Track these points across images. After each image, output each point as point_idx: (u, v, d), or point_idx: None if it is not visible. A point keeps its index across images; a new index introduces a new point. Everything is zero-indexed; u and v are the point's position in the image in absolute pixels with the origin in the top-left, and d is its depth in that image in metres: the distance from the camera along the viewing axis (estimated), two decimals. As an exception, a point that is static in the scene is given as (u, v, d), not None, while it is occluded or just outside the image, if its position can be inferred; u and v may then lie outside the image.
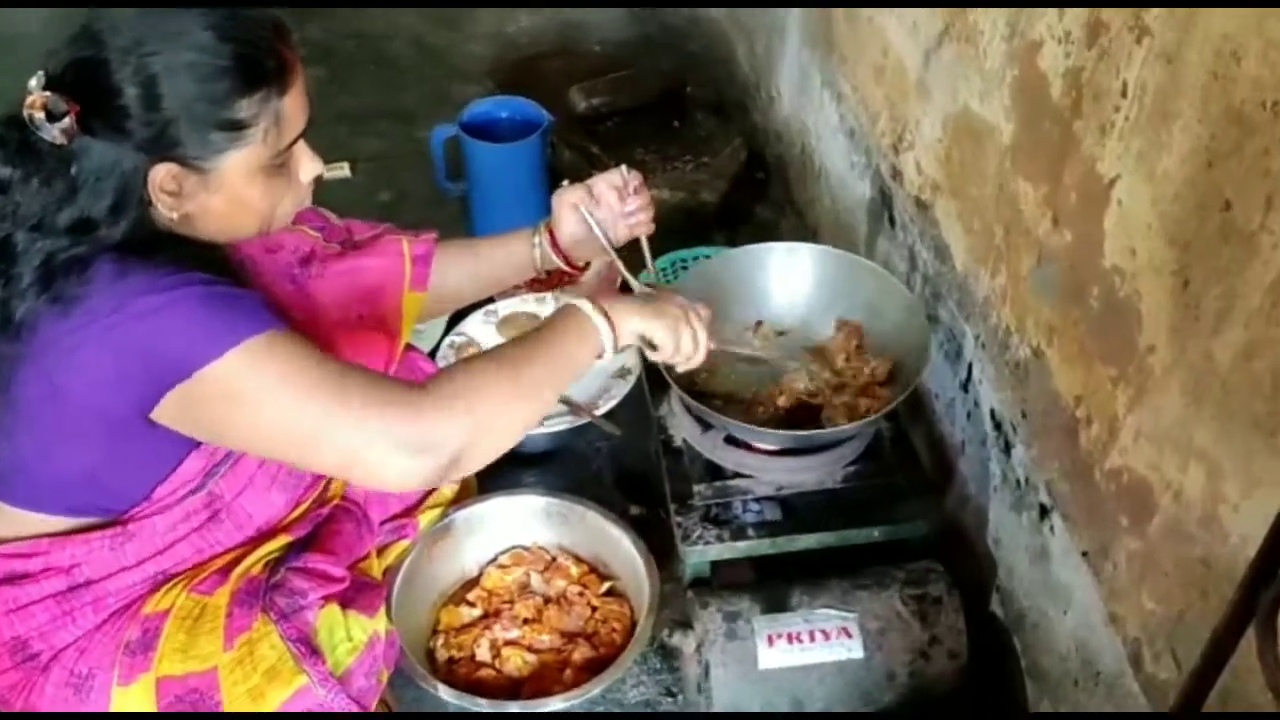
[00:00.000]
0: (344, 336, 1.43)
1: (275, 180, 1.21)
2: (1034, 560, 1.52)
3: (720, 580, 1.67)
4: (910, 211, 1.86)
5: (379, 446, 1.11)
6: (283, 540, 1.38)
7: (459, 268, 1.54)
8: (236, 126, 1.15)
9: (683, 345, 1.35)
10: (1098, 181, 1.27)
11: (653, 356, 1.37)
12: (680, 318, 1.34)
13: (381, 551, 1.57)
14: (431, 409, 1.13)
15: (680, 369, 1.38)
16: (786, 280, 1.81)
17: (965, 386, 1.70)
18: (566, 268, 1.54)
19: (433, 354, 2.05)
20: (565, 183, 1.53)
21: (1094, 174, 1.28)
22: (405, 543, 1.61)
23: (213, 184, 1.17)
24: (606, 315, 1.28)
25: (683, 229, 2.44)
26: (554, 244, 1.52)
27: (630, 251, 1.54)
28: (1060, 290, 1.38)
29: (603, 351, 1.29)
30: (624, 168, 1.51)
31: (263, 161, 1.18)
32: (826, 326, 1.79)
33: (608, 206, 1.51)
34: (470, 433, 1.14)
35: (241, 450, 1.27)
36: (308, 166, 1.25)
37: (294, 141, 1.21)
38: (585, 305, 1.28)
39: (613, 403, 1.97)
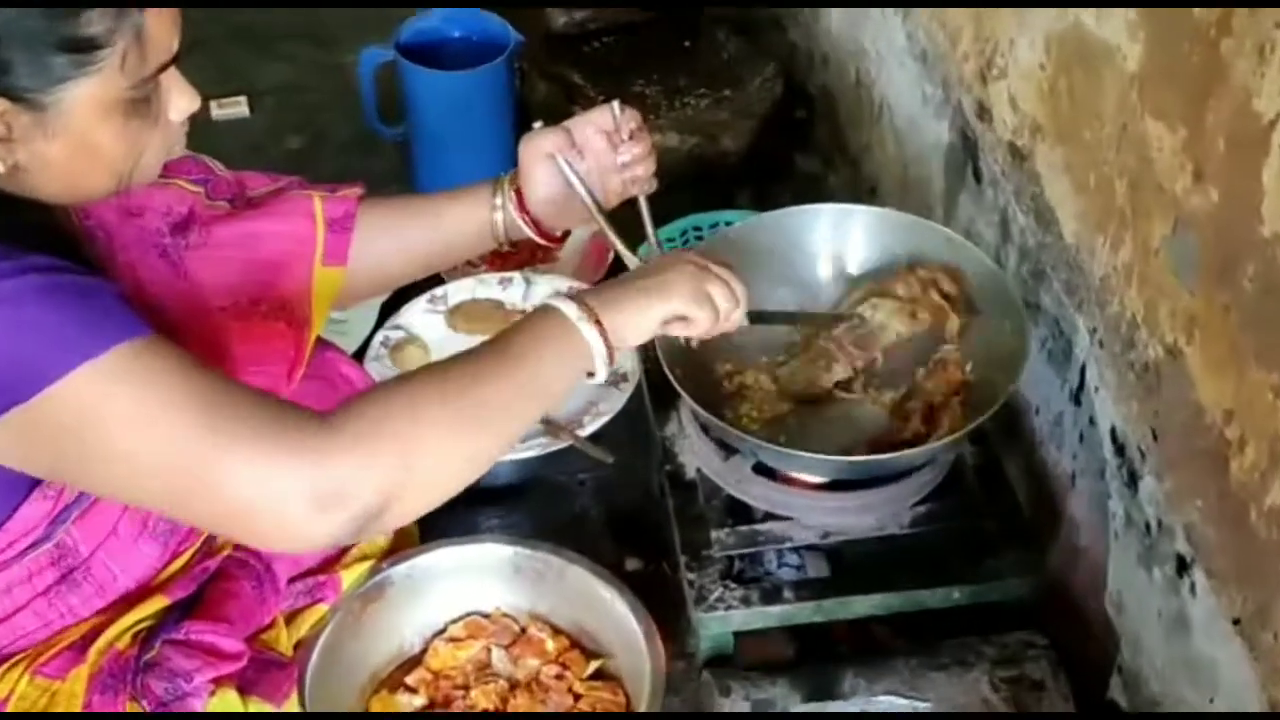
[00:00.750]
0: (233, 329, 1.44)
1: (136, 120, 1.21)
2: (1169, 630, 1.52)
3: (747, 658, 1.67)
4: (1002, 162, 1.86)
5: (274, 496, 1.12)
6: (157, 604, 1.38)
7: (392, 236, 1.55)
8: (83, 47, 1.14)
9: (721, 305, 1.36)
10: (1253, 122, 1.27)
11: (688, 333, 1.38)
12: (698, 275, 1.34)
13: (292, 619, 1.57)
14: (346, 446, 1.13)
15: (723, 330, 1.40)
16: (834, 256, 1.82)
17: (1076, 398, 1.70)
18: (538, 238, 1.54)
19: (359, 355, 2.06)
20: (537, 124, 1.54)
21: (1248, 111, 1.28)
22: (323, 607, 1.61)
23: (52, 125, 1.17)
24: (598, 323, 1.28)
25: (697, 187, 2.45)
26: (521, 206, 1.52)
27: (625, 217, 1.54)
28: (1203, 267, 1.39)
29: (593, 369, 1.30)
30: (616, 104, 1.51)
31: (119, 95, 1.18)
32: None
33: (594, 156, 1.51)
34: (397, 479, 1.15)
35: (95, 494, 1.28)
36: (180, 102, 1.24)
37: (162, 69, 1.21)
38: (568, 308, 1.28)
39: (603, 420, 1.97)
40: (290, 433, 1.13)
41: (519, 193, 1.52)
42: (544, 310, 1.29)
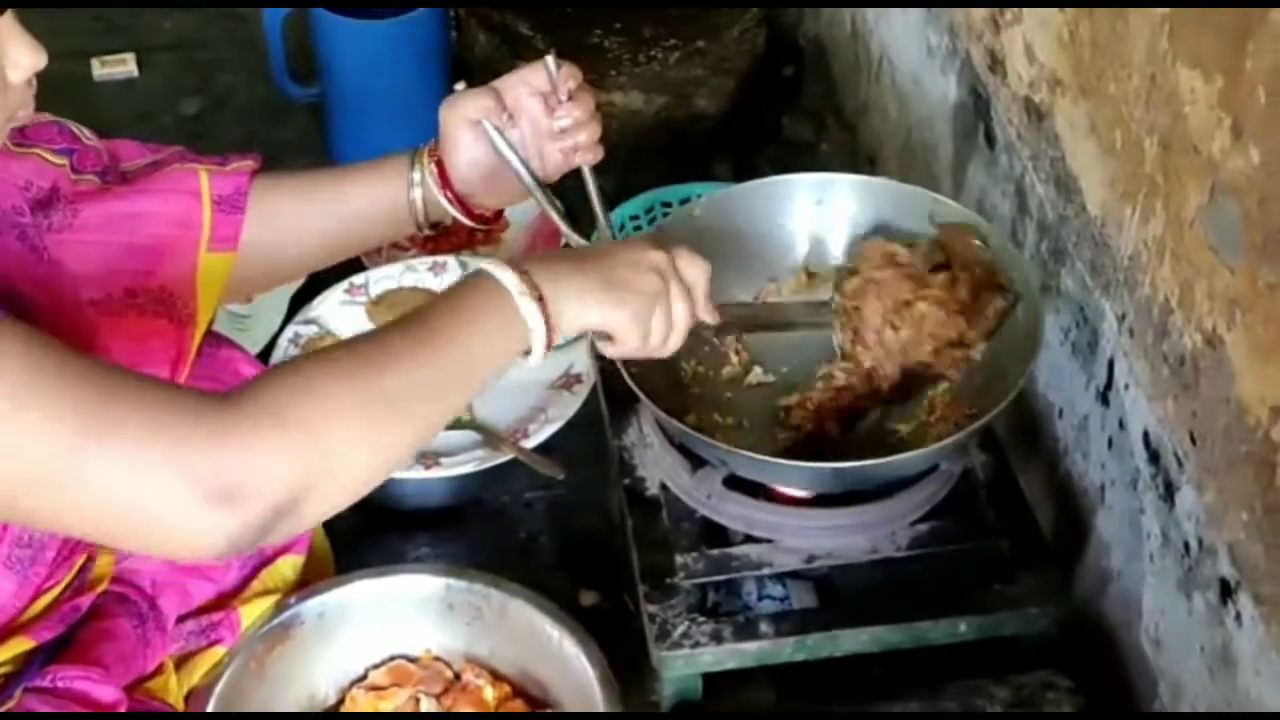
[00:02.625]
0: (104, 325, 1.43)
1: None
2: (1214, 666, 1.53)
3: (719, 705, 1.67)
4: (1018, 122, 1.88)
5: (161, 492, 1.11)
6: (18, 647, 1.37)
7: (288, 217, 1.55)
8: None
9: (653, 335, 1.36)
10: (1299, 67, 1.29)
11: (608, 351, 1.38)
12: (654, 298, 1.35)
13: (183, 664, 1.57)
14: (245, 432, 1.13)
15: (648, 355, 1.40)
16: (823, 234, 1.83)
17: (1104, 396, 1.71)
18: (465, 219, 1.55)
19: (265, 355, 2.06)
20: (460, 85, 1.54)
21: (1293, 56, 1.29)
22: (220, 650, 1.61)
23: None
24: (541, 299, 1.28)
25: (667, 156, 2.47)
26: (444, 182, 1.53)
27: (571, 192, 1.55)
28: (1245, 241, 1.40)
29: (529, 349, 1.30)
30: (550, 59, 1.52)
31: None
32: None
33: (528, 121, 1.52)
34: (308, 469, 1.14)
35: None
36: (19, 57, 1.22)
37: None
38: (507, 279, 1.28)
39: (552, 429, 1.98)
40: (176, 418, 1.12)
41: (440, 166, 1.53)
42: (477, 279, 1.29)
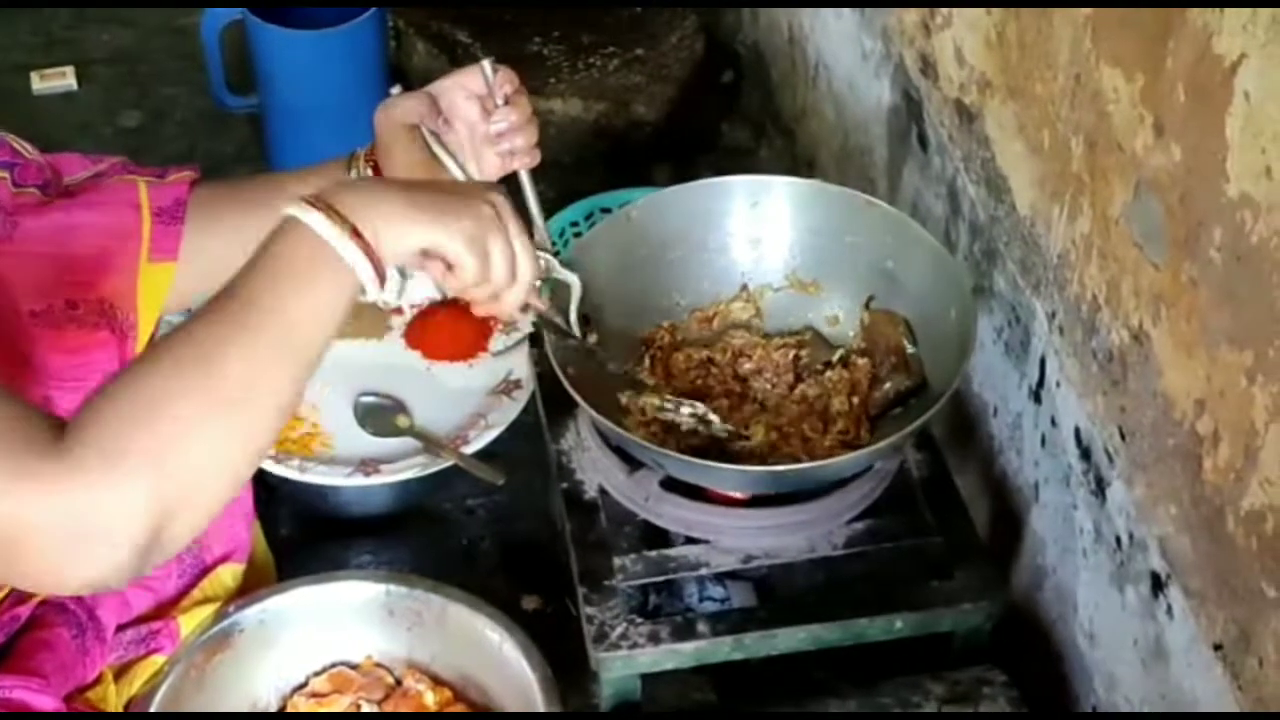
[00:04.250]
0: (44, 338, 1.43)
1: None
2: (1146, 659, 1.54)
3: (659, 706, 1.68)
4: (949, 124, 1.89)
5: (26, 534, 1.08)
6: (-44, 657, 1.37)
7: (226, 226, 1.55)
8: None
9: (494, 265, 1.28)
10: (1215, 65, 1.29)
11: (450, 286, 1.31)
12: (487, 221, 1.28)
13: (122, 673, 1.57)
14: (92, 468, 1.09)
15: (490, 310, 1.34)
16: (759, 235, 1.84)
17: (1036, 394, 1.73)
18: None
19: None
20: (395, 89, 1.54)
21: (1209, 54, 1.30)
22: (160, 658, 1.61)
23: None
24: (357, 234, 1.19)
25: (607, 162, 2.47)
26: None
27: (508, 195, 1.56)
28: (1168, 237, 1.41)
29: (361, 288, 1.21)
30: (487, 63, 1.52)
31: None
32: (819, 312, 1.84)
33: (464, 125, 1.53)
34: (161, 501, 1.10)
35: None
36: None
37: None
38: (316, 222, 1.19)
39: (492, 434, 1.98)
40: (26, 454, 1.09)
41: (377, 169, 1.53)
42: (284, 228, 1.20)
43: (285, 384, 1.19)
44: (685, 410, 1.71)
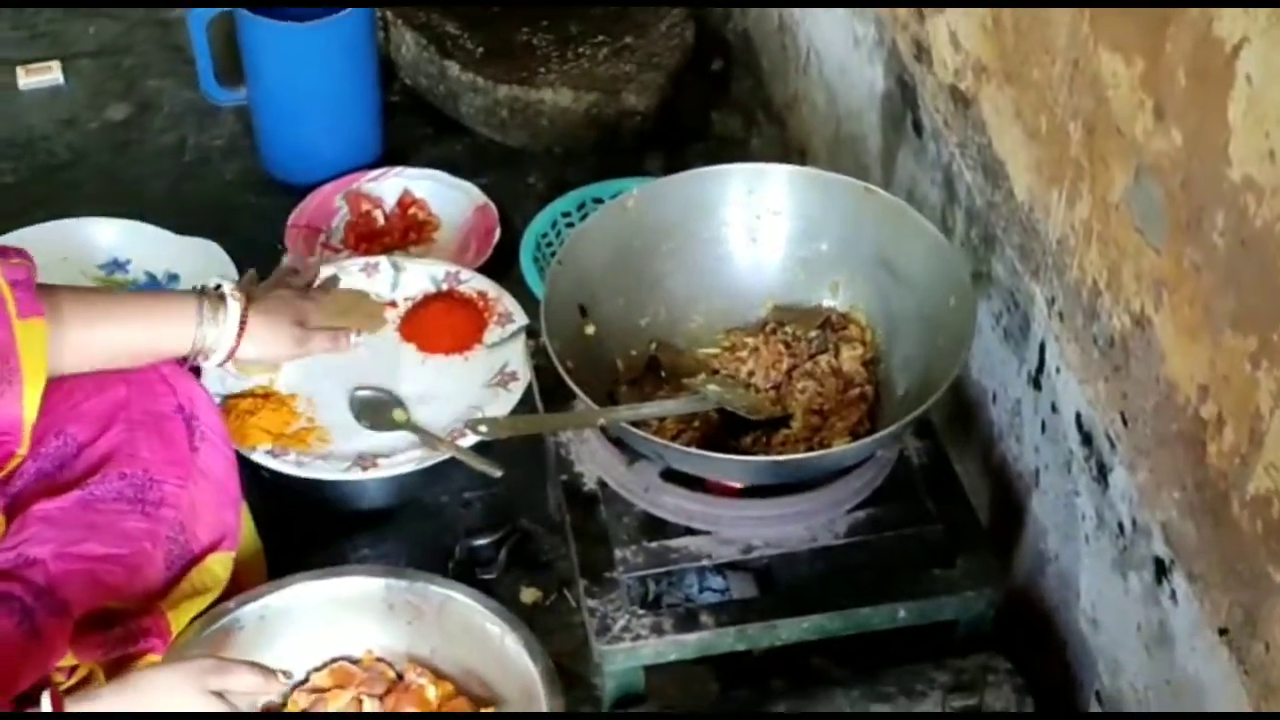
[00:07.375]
0: None
1: None
2: (1150, 644, 1.54)
3: (661, 697, 1.67)
4: (945, 110, 1.89)
5: None
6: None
7: (76, 341, 1.65)
8: None
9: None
10: (1216, 50, 1.29)
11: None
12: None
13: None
14: None
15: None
16: (755, 223, 1.84)
17: (1036, 380, 1.73)
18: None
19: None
20: (286, 258, 1.62)
21: (1210, 38, 1.30)
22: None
23: None
24: None
25: (598, 152, 2.46)
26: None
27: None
28: (1169, 221, 1.41)
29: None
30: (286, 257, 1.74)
31: None
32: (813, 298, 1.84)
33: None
34: None
35: None
36: None
37: None
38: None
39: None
40: None
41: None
42: None
43: None
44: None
